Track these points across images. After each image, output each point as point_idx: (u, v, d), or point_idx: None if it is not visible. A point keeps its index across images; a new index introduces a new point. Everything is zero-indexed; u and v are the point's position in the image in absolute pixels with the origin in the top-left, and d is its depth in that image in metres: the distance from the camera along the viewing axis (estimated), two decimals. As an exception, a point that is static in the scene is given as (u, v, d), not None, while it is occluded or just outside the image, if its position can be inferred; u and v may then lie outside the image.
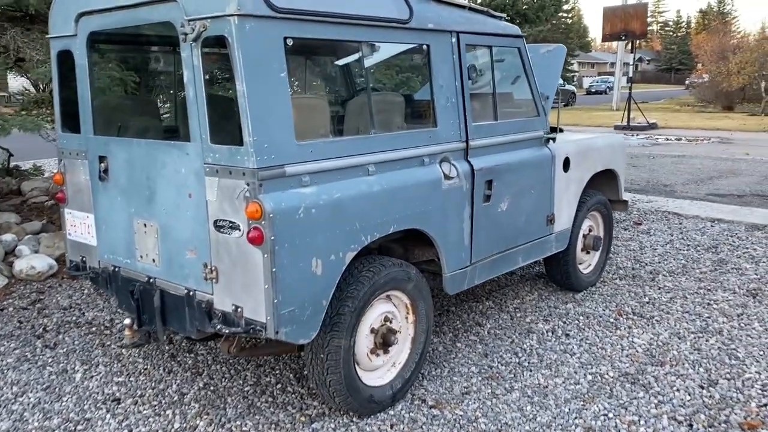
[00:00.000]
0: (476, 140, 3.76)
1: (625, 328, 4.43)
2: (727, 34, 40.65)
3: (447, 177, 3.52)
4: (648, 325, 4.48)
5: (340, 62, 4.84)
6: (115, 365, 3.92)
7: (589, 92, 50.54)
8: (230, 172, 2.75)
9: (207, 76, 2.80)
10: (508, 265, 4.15)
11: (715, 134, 18.39)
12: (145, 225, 3.25)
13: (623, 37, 18.87)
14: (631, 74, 19.85)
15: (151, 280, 3.28)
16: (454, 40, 3.60)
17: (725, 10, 76.99)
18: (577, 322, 4.55)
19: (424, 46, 3.46)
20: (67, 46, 3.45)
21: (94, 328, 4.48)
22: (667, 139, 17.19)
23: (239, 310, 2.85)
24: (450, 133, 3.59)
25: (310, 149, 2.86)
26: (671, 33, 74.80)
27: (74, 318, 4.66)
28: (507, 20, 4.15)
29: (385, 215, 3.17)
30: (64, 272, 5.40)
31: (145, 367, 3.87)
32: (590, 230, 5.18)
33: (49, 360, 4.00)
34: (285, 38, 2.74)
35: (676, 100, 36.45)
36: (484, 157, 3.81)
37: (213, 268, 2.93)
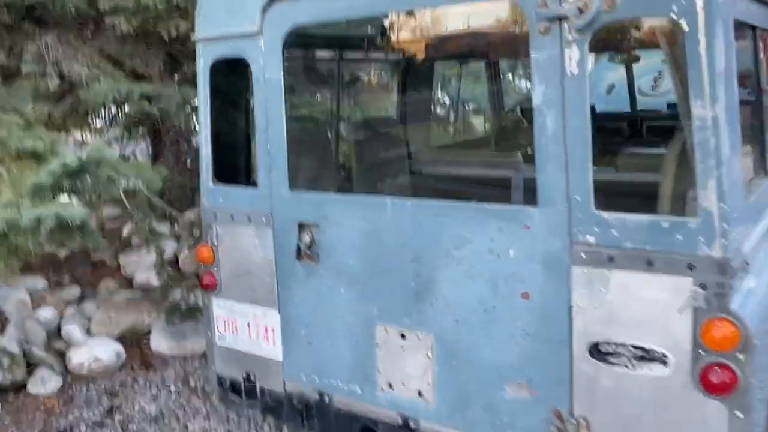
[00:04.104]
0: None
1: None
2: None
3: None
4: None
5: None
6: None
7: None
8: (650, 262, 1.54)
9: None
10: None
11: None
12: (403, 336, 1.99)
13: None
14: None
15: (412, 424, 2.02)
16: None
17: None
18: None
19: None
20: (239, 51, 2.16)
21: (211, 453, 3.14)
22: None
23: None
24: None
25: (756, 208, 1.69)
26: None
27: (177, 436, 3.30)
28: None
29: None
30: (132, 362, 3.99)
31: None
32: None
33: None
34: (735, 23, 1.58)
35: None
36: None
37: (580, 420, 1.70)
